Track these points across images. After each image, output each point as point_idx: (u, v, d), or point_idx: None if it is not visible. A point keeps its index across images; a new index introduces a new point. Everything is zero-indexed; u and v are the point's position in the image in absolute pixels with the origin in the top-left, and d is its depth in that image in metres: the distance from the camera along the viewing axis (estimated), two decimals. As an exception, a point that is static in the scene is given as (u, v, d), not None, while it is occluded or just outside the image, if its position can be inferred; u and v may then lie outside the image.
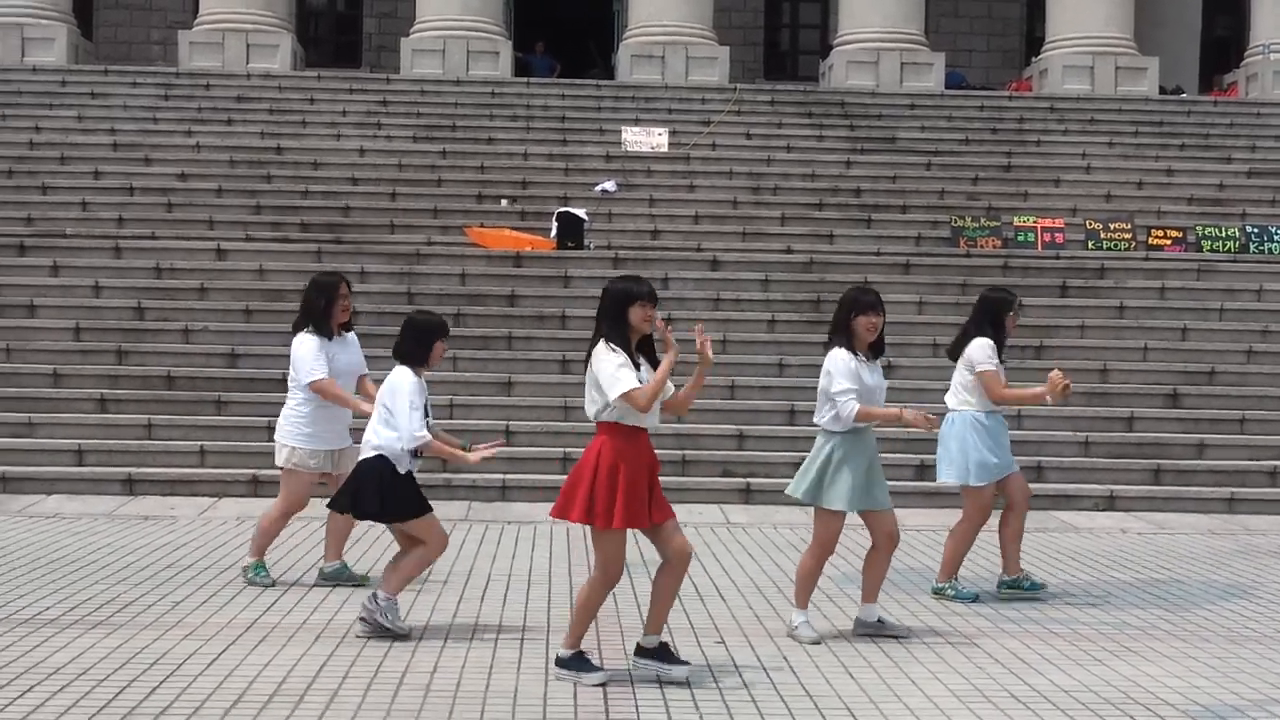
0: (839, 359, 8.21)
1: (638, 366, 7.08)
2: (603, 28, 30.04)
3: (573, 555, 10.69)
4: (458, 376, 14.85)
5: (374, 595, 8.00)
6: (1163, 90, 26.11)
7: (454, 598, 9.03)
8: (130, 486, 13.31)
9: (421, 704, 6.73)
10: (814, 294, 16.97)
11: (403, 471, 8.01)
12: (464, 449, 8.23)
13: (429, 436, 7.99)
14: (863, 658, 7.78)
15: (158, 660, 7.40)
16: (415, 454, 8.04)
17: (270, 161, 20.35)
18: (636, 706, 6.76)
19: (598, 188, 19.91)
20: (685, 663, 7.28)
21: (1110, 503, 13.66)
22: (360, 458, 8.15)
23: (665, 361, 7.12)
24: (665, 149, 21.23)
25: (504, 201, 19.54)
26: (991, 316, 9.43)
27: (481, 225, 18.59)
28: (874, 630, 8.27)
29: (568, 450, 13.80)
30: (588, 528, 7.25)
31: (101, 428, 14.15)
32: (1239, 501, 13.79)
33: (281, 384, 14.75)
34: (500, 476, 13.25)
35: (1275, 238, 19.13)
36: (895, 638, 8.20)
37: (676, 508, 7.66)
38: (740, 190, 20.24)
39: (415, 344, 8.14)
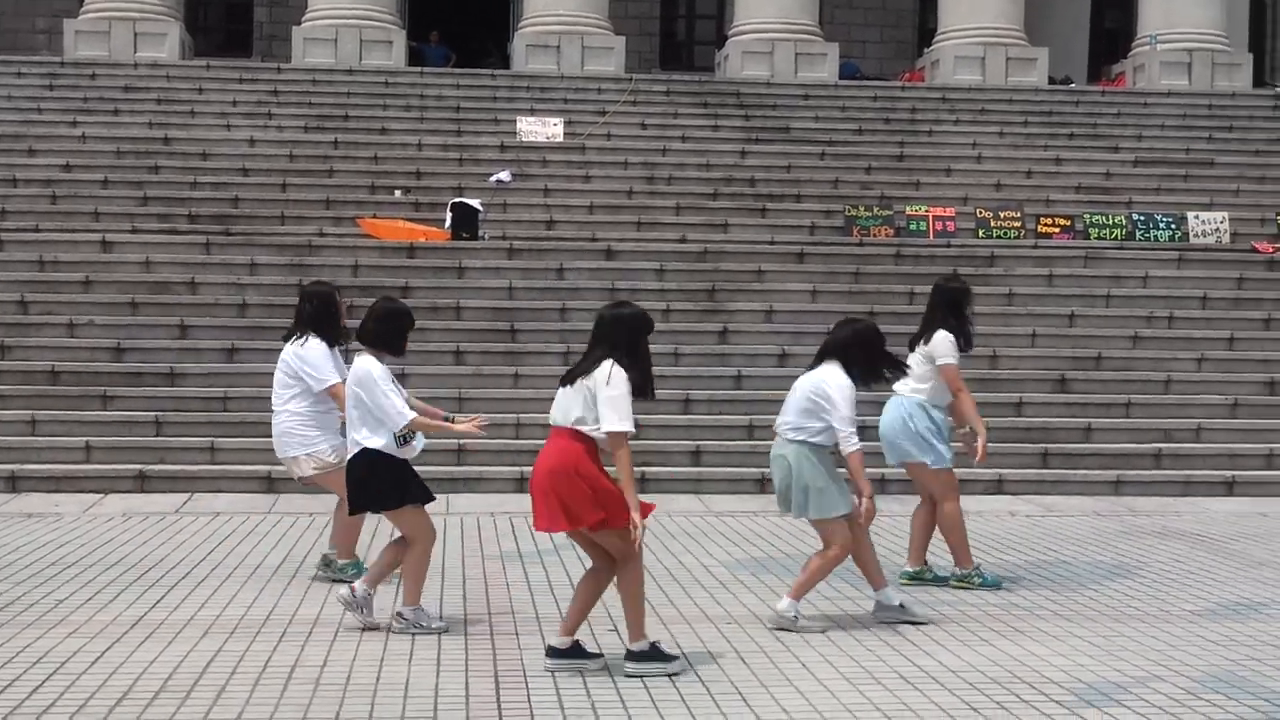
0: (846, 387, 8.07)
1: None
2: (498, 17, 29.92)
3: (466, 546, 10.64)
4: (351, 368, 14.72)
5: (399, 614, 7.94)
6: (1052, 80, 26.51)
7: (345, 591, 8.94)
8: (13, 484, 13.04)
9: (311, 698, 6.66)
10: (709, 283, 17.03)
11: (398, 456, 7.86)
12: (448, 419, 8.17)
13: (411, 415, 7.84)
14: (755, 642, 7.81)
15: (41, 658, 7.25)
16: (405, 438, 7.88)
17: (158, 152, 20.04)
18: (529, 695, 6.73)
19: (492, 178, 19.83)
20: (675, 655, 7.26)
21: (999, 486, 13.86)
22: (349, 456, 8.00)
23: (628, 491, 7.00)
24: (560, 139, 21.19)
25: (398, 192, 19.39)
26: (953, 308, 9.46)
27: (375, 216, 18.45)
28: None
29: (462, 442, 13.72)
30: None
31: (-16, 424, 13.85)
32: (1125, 484, 14.05)
33: (168, 378, 14.69)
34: (394, 468, 13.13)
35: (1160, 225, 19.51)
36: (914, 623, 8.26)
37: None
38: (635, 180, 20.26)
39: (389, 329, 8.00)
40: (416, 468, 8.14)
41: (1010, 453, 14.37)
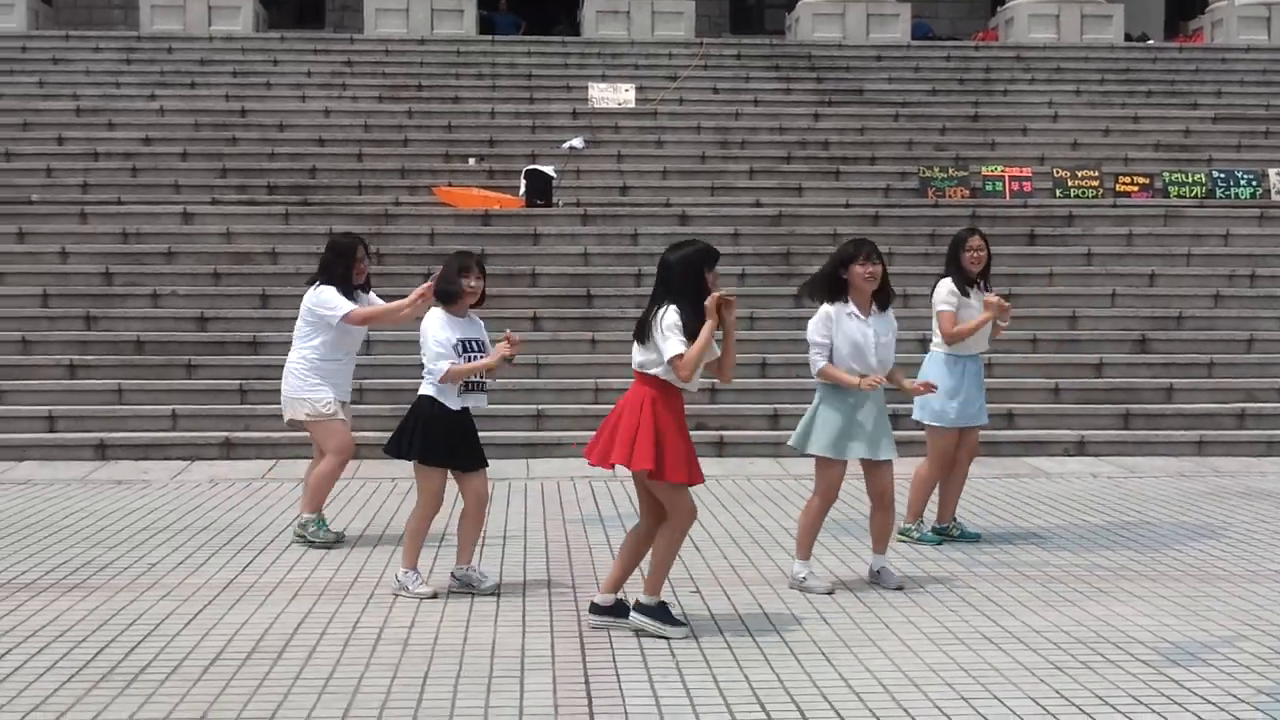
0: (822, 311, 8.25)
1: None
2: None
3: (547, 510, 10.72)
4: (429, 336, 14.84)
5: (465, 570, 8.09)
6: (1128, 37, 26.18)
7: (430, 554, 9.04)
8: (102, 452, 13.29)
9: (400, 657, 6.75)
10: (783, 247, 17.00)
11: (455, 408, 7.91)
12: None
13: (445, 367, 7.86)
14: (837, 604, 7.83)
15: (135, 621, 7.40)
16: (471, 387, 7.97)
17: (235, 124, 20.23)
18: (614, 657, 6.79)
19: (565, 145, 19.86)
20: (683, 623, 7.26)
21: (1080, 448, 13.76)
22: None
23: (704, 331, 7.01)
24: (632, 105, 21.19)
25: (471, 160, 19.48)
26: (952, 255, 9.54)
27: (449, 184, 18.54)
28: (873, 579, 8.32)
29: (541, 408, 13.86)
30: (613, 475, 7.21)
31: (72, 393, 14.10)
32: (1208, 444, 13.92)
33: (251, 346, 14.88)
34: (474, 434, 13.23)
35: (1241, 182, 19.22)
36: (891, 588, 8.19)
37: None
38: (708, 145, 20.22)
39: (443, 283, 8.10)
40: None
41: (1091, 414, 14.28)
